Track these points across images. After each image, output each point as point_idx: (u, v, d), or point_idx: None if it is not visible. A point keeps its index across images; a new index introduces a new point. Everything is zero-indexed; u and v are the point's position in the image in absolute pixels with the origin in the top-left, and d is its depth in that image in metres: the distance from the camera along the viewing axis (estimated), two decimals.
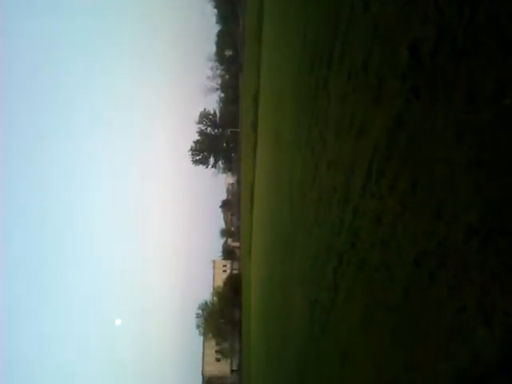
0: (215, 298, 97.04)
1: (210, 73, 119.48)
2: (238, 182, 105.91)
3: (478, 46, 2.82)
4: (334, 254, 6.52)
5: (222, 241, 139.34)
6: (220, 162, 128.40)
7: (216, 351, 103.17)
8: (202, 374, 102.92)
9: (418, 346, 3.45)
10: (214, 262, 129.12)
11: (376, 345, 4.53)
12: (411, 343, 3.61)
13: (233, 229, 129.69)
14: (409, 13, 3.90)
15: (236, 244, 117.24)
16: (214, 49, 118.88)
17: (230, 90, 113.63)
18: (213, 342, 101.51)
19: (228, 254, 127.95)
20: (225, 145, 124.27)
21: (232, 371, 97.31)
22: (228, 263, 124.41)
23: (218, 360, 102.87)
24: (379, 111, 4.59)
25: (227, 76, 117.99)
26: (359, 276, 5.23)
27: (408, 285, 3.69)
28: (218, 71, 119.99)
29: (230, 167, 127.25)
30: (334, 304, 6.63)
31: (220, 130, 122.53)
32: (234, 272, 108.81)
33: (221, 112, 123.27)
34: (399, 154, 4.02)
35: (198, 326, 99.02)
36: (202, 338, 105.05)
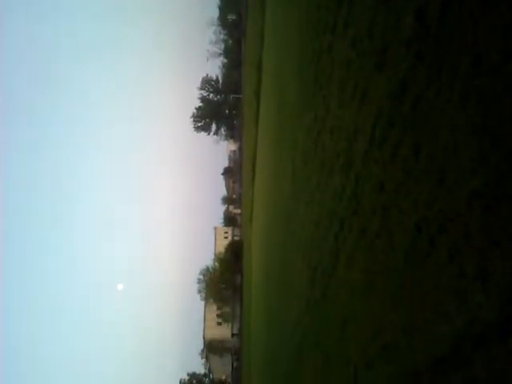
0: (216, 264, 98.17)
1: (212, 38, 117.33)
2: (240, 149, 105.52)
3: (485, 9, 2.76)
4: (336, 220, 6.56)
5: (223, 208, 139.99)
6: (222, 129, 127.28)
7: (217, 315, 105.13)
8: (204, 338, 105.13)
9: (417, 311, 3.52)
10: (215, 228, 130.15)
11: (376, 310, 4.62)
12: (410, 308, 3.68)
13: (234, 196, 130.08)
14: None
15: (237, 211, 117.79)
16: (216, 13, 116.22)
17: (233, 56, 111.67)
18: (214, 307, 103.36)
19: (229, 220, 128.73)
20: (227, 111, 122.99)
21: (233, 335, 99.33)
22: (229, 230, 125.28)
23: (219, 324, 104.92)
24: (383, 77, 4.54)
25: (230, 41, 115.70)
26: (360, 242, 5.29)
27: (408, 250, 3.74)
28: (221, 36, 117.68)
29: (232, 134, 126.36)
30: (334, 269, 6.73)
31: (222, 96, 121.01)
32: (236, 239, 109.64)
33: (223, 78, 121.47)
34: (402, 120, 4.00)
35: (199, 291, 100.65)
36: (203, 302, 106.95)
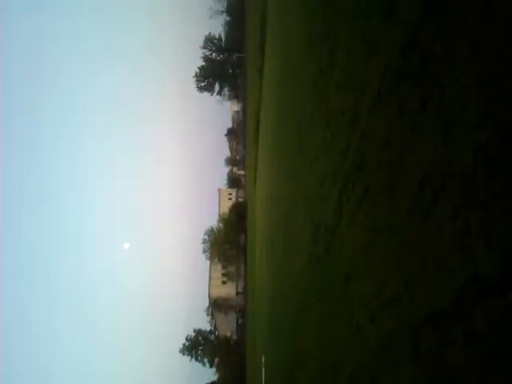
0: (221, 225, 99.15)
1: None
2: (244, 109, 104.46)
3: None
4: (340, 177, 6.54)
5: (227, 169, 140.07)
6: (225, 89, 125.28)
7: (222, 274, 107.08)
8: (209, 296, 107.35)
9: (420, 267, 3.55)
10: (219, 190, 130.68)
11: (379, 266, 4.66)
12: (413, 264, 3.71)
13: (238, 157, 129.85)
14: None
15: (241, 172, 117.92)
16: None
17: (236, 13, 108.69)
18: (219, 266, 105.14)
19: (233, 182, 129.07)
20: (230, 71, 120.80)
21: (237, 293, 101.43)
22: (233, 191, 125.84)
23: (223, 283, 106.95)
24: (392, 27, 4.40)
25: None
26: (364, 199, 5.28)
27: (412, 207, 3.73)
28: None
29: (235, 94, 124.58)
30: (338, 226, 6.76)
31: (225, 54, 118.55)
32: (240, 200, 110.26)
33: (226, 36, 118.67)
34: (411, 74, 3.90)
35: (204, 251, 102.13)
36: (208, 262, 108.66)
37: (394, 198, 4.22)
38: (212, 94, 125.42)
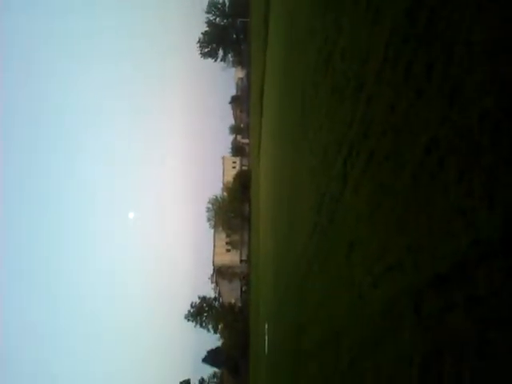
0: (225, 193, 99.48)
1: None
2: (248, 76, 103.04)
3: None
4: (345, 144, 6.50)
5: (231, 137, 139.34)
6: (229, 55, 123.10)
7: (226, 243, 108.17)
8: (213, 264, 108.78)
9: (423, 231, 3.56)
10: (223, 158, 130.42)
11: (382, 232, 4.68)
12: (416, 229, 3.72)
13: (242, 125, 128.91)
14: None
15: (245, 141, 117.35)
16: None
17: None
18: (223, 235, 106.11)
19: (237, 150, 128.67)
20: (234, 36, 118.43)
21: (241, 261, 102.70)
22: (237, 160, 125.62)
23: (228, 251, 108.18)
24: None
25: None
26: (369, 165, 5.26)
27: (417, 170, 3.71)
28: None
29: (239, 60, 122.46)
30: (342, 194, 6.76)
31: (230, 19, 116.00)
32: (244, 168, 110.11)
33: (230, 0, 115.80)
34: (417, 37, 3.82)
35: (208, 220, 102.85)
36: (212, 230, 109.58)
37: (399, 163, 4.21)
38: (216, 61, 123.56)
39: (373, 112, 5.17)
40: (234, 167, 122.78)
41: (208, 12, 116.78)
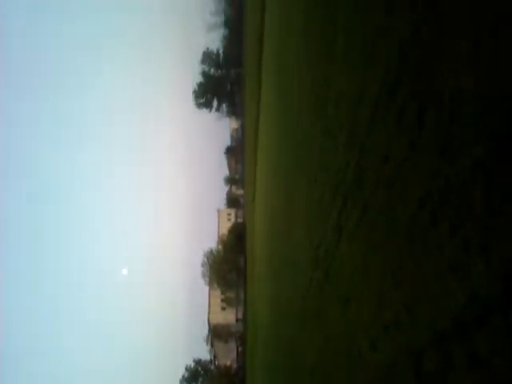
0: (220, 246, 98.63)
1: (212, 7, 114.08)
2: (243, 126, 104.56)
3: None
4: (340, 195, 6.44)
5: (226, 188, 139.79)
6: (224, 106, 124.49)
7: (221, 300, 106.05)
8: (208, 323, 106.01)
9: (419, 287, 3.47)
10: (218, 211, 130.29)
11: (377, 287, 4.57)
12: (411, 285, 3.63)
13: (237, 176, 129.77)
14: None
15: (240, 192, 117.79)
16: None
17: (234, 27, 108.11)
18: (218, 292, 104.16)
19: (232, 202, 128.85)
20: (229, 87, 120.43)
21: (237, 320, 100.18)
22: (232, 212, 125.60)
23: (223, 309, 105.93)
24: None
25: (230, 11, 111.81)
26: (363, 218, 5.20)
27: (410, 225, 3.65)
28: (222, 6, 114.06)
29: (234, 111, 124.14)
30: (337, 248, 6.66)
31: (224, 70, 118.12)
32: (239, 221, 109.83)
33: (224, 51, 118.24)
34: (410, 79, 3.83)
35: (203, 275, 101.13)
36: (207, 288, 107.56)
37: (392, 217, 4.16)
38: (211, 111, 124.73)
39: (366, 163, 5.14)
40: (229, 219, 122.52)
41: (203, 62, 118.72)
